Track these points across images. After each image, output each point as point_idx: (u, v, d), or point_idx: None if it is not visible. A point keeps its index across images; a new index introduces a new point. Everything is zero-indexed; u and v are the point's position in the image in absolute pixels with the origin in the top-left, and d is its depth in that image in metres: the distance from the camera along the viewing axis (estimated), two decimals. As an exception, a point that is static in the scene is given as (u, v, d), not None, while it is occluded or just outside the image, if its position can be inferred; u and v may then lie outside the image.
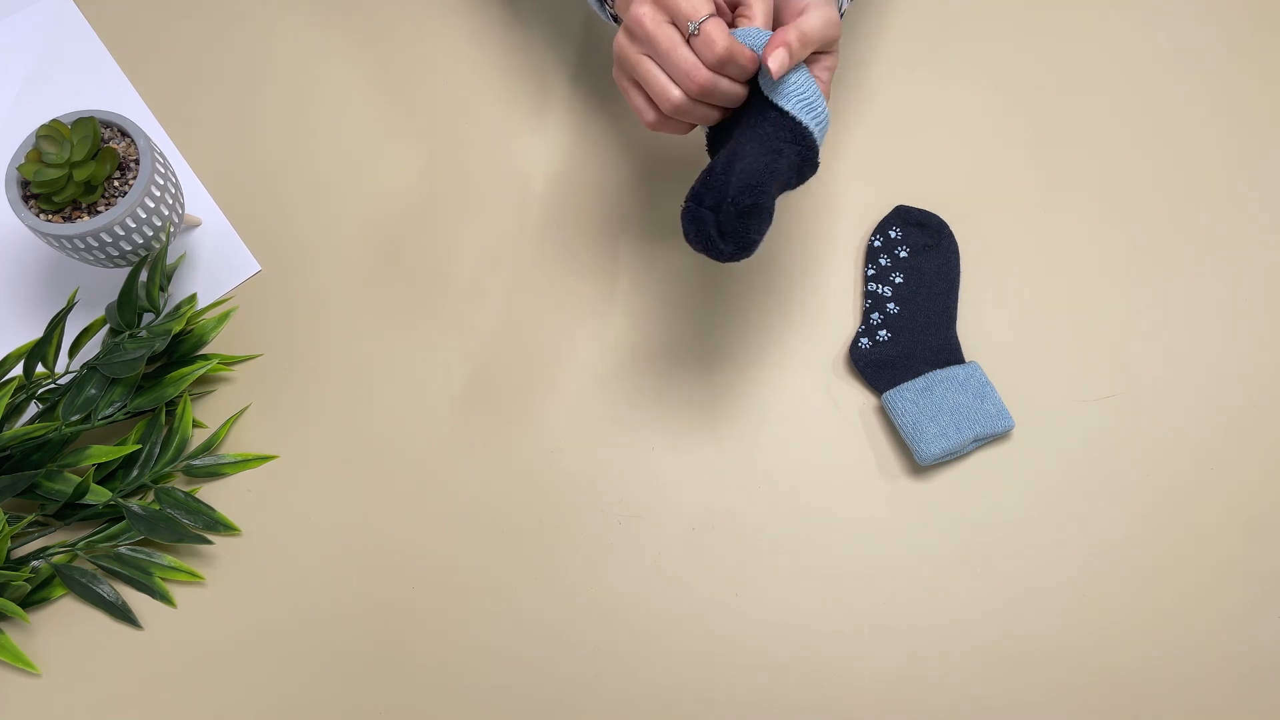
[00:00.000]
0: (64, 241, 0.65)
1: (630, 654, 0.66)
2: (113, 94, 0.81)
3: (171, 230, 0.70)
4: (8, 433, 0.65)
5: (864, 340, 0.73)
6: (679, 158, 0.79)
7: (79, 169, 0.64)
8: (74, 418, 0.67)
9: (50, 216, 0.66)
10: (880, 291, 0.74)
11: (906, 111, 0.80)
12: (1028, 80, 0.82)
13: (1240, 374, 0.73)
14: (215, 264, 0.76)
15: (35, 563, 0.68)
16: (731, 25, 0.58)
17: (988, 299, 0.75)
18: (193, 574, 0.68)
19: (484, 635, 0.67)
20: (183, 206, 0.72)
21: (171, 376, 0.69)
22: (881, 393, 0.71)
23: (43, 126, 0.64)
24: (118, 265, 0.69)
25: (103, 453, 0.68)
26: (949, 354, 0.72)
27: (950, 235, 0.75)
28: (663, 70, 0.56)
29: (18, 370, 0.69)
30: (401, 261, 0.76)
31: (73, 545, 0.68)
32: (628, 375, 0.73)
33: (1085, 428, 0.71)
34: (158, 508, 0.68)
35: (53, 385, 0.69)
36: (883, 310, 0.73)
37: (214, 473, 0.70)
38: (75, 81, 0.82)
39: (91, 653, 0.67)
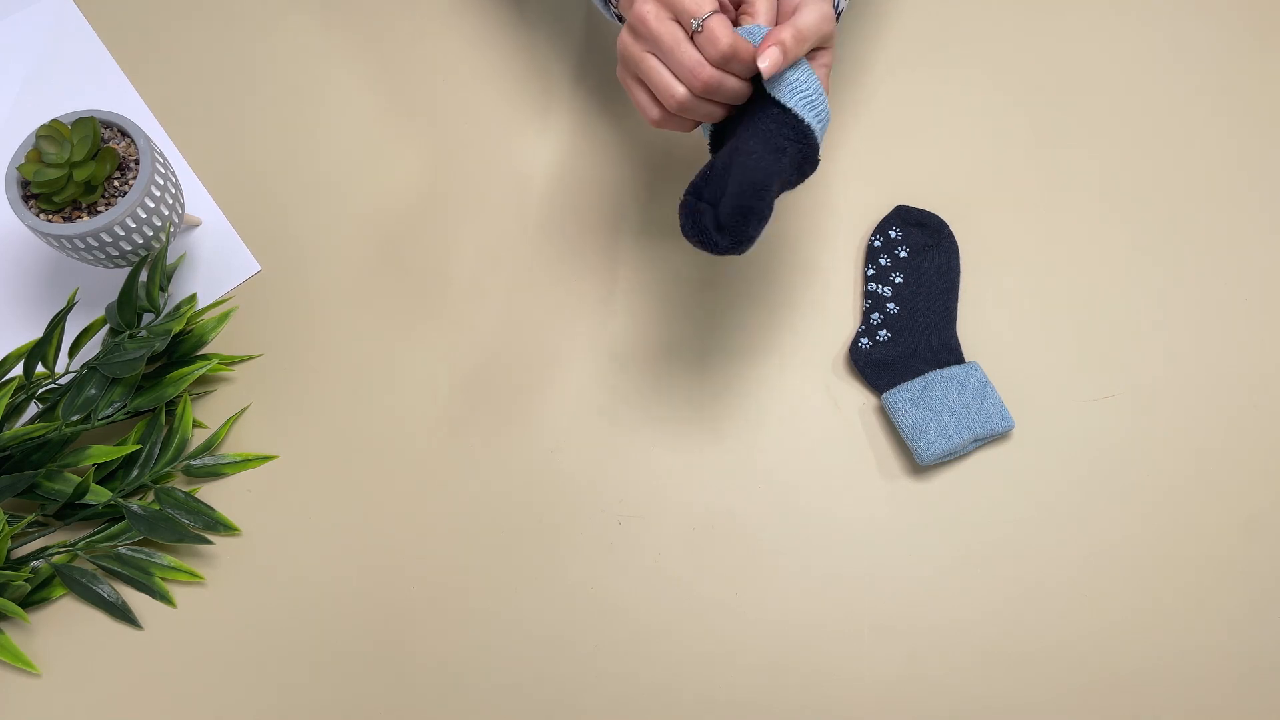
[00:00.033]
0: (64, 241, 0.65)
1: (630, 654, 0.66)
2: (113, 94, 0.81)
3: (171, 230, 0.70)
4: (8, 433, 0.65)
5: (864, 340, 0.73)
6: (680, 157, 0.79)
7: (79, 169, 0.64)
8: (74, 418, 0.67)
9: (50, 216, 0.66)
10: (880, 291, 0.74)
11: (906, 111, 0.80)
12: (1028, 80, 0.82)
13: (1240, 374, 0.73)
14: (215, 264, 0.76)
15: (35, 563, 0.68)
16: (736, 23, 0.58)
17: (988, 299, 0.75)
18: (193, 574, 0.68)
19: (484, 635, 0.67)
20: (183, 206, 0.72)
21: (171, 376, 0.69)
22: (881, 393, 0.71)
23: (43, 126, 0.64)
24: (118, 265, 0.69)
25: (103, 453, 0.68)
26: (949, 354, 0.72)
27: (950, 235, 0.75)
28: (667, 67, 0.56)
29: (18, 370, 0.69)
30: (401, 261, 0.76)
31: (73, 545, 0.68)
32: (628, 375, 0.73)
33: (1085, 428, 0.71)
34: (158, 508, 0.68)
35: (53, 385, 0.69)
36: (883, 310, 0.73)
37: (214, 473, 0.70)
38: (75, 81, 0.82)
39: (91, 653, 0.67)
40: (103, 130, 0.68)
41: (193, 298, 0.73)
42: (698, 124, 0.60)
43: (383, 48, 0.83)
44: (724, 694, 0.66)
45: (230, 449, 0.71)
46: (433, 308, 0.75)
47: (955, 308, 0.74)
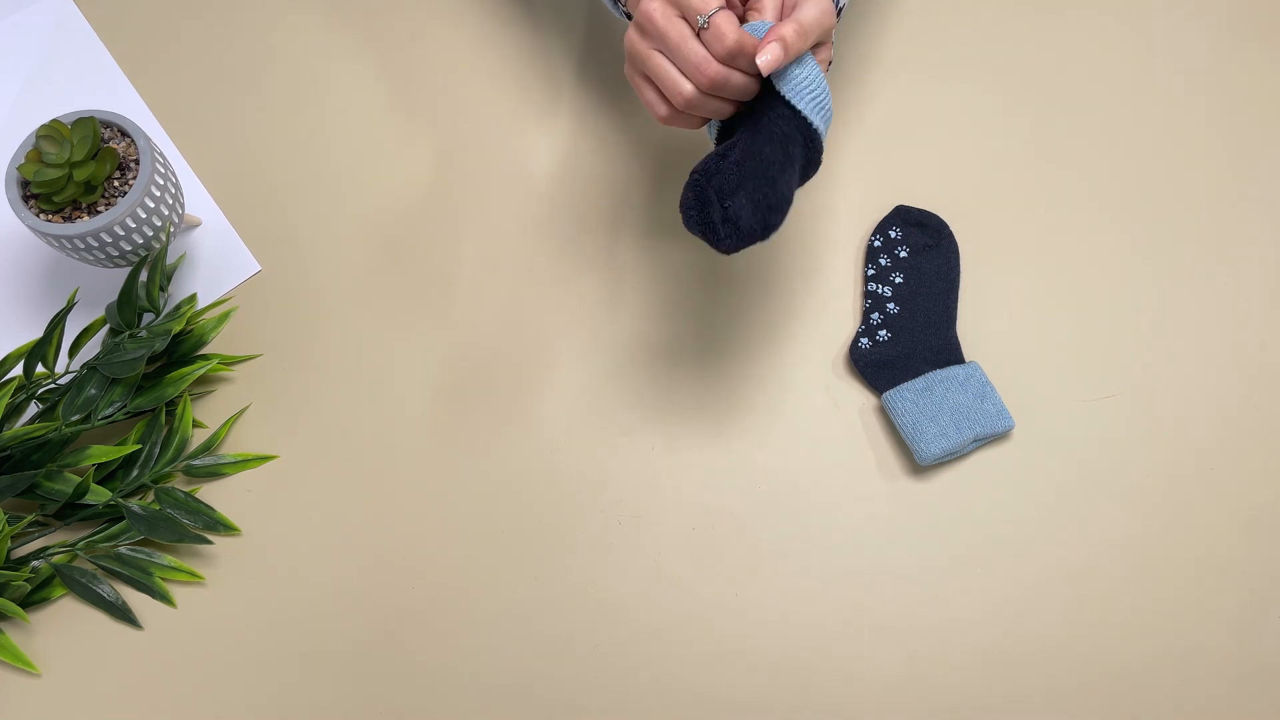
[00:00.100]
0: (64, 241, 0.65)
1: (630, 654, 0.66)
2: (113, 94, 0.81)
3: (171, 230, 0.70)
4: (8, 433, 0.65)
5: (864, 340, 0.73)
6: (683, 156, 0.79)
7: (79, 169, 0.64)
8: (74, 418, 0.67)
9: (50, 216, 0.66)
10: (880, 291, 0.74)
11: (907, 112, 0.80)
12: (1028, 81, 0.82)
13: (1240, 374, 0.73)
14: (215, 264, 0.76)
15: (35, 563, 0.68)
16: (743, 19, 0.58)
17: (988, 299, 0.75)
18: (193, 574, 0.68)
19: (484, 635, 0.67)
20: (183, 206, 0.72)
21: (171, 376, 0.69)
22: (881, 393, 0.71)
23: (43, 126, 0.64)
24: (118, 265, 0.69)
25: (103, 453, 0.68)
26: (949, 354, 0.72)
27: (950, 235, 0.75)
28: (674, 64, 0.56)
29: (18, 370, 0.69)
30: (402, 261, 0.76)
31: (73, 545, 0.68)
32: (628, 375, 0.73)
33: (1085, 428, 0.71)
34: (158, 508, 0.68)
35: (53, 385, 0.69)
36: (883, 310, 0.73)
37: (214, 473, 0.70)
38: (75, 81, 0.82)
39: (91, 653, 0.67)
40: (103, 130, 0.68)
41: (193, 298, 0.73)
42: (706, 121, 0.60)
43: (383, 47, 0.83)
44: (724, 694, 0.66)
45: (230, 449, 0.71)
46: (433, 307, 0.75)
47: (955, 308, 0.74)
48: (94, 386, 0.67)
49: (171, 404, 0.71)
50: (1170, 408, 0.72)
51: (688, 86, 0.56)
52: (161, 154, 0.69)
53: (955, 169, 0.78)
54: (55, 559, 0.68)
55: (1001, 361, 0.73)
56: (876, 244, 0.75)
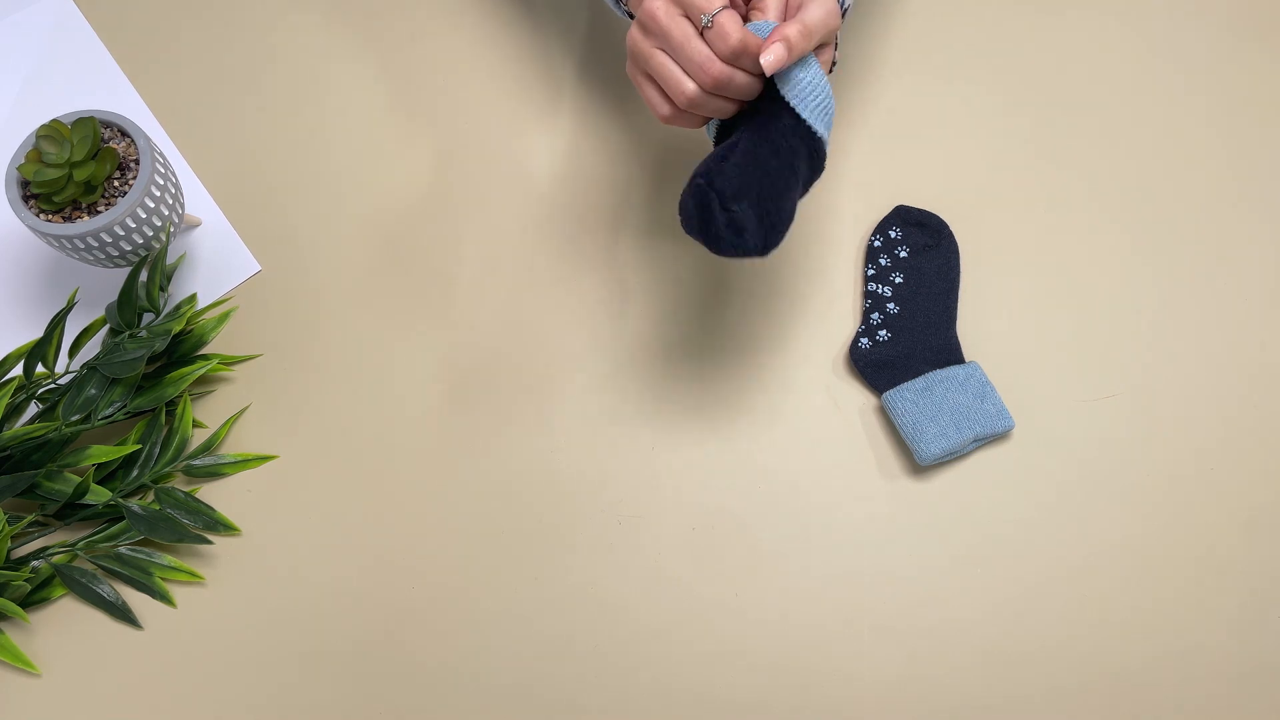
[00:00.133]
0: (64, 241, 0.65)
1: (630, 654, 0.66)
2: (113, 94, 0.81)
3: (171, 230, 0.70)
4: (8, 433, 0.65)
5: (864, 340, 0.73)
6: (684, 156, 0.79)
7: (79, 169, 0.64)
8: (74, 418, 0.67)
9: (50, 216, 0.66)
10: (880, 291, 0.74)
11: (907, 112, 0.80)
12: (1028, 81, 0.82)
13: (1240, 374, 0.73)
14: (215, 264, 0.76)
15: (35, 563, 0.68)
16: (746, 18, 0.58)
17: (988, 299, 0.75)
18: (193, 574, 0.68)
19: (484, 635, 0.67)
20: (183, 206, 0.72)
21: (171, 376, 0.69)
22: (881, 393, 0.71)
23: (43, 126, 0.64)
24: (118, 265, 0.69)
25: (103, 453, 0.68)
26: (949, 354, 0.72)
27: (950, 235, 0.75)
28: (677, 63, 0.56)
29: (18, 370, 0.69)
30: (402, 261, 0.76)
31: (73, 545, 0.68)
32: (628, 375, 0.73)
33: (1085, 428, 0.71)
34: (158, 508, 0.68)
35: (53, 385, 0.69)
36: (883, 310, 0.73)
37: (214, 473, 0.70)
38: (75, 81, 0.82)
39: (91, 653, 0.67)
40: (103, 130, 0.68)
41: (193, 298, 0.73)
42: (707, 120, 0.60)
43: (383, 47, 0.83)
44: (724, 694, 0.66)
45: (230, 449, 0.71)
46: (433, 307, 0.75)
47: (955, 308, 0.74)
48: (94, 386, 0.67)
49: (171, 404, 0.71)
50: (1170, 408, 0.72)
51: (690, 85, 0.56)
52: (161, 154, 0.69)
53: (955, 169, 0.78)
54: (55, 559, 0.68)
55: (1001, 361, 0.73)
56: (876, 244, 0.75)
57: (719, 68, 0.54)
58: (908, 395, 0.69)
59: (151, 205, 0.67)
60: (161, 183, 0.68)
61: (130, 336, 0.68)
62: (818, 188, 0.78)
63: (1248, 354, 0.73)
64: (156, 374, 0.70)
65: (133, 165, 0.67)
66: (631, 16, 0.65)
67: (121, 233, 0.66)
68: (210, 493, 0.70)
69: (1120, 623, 0.67)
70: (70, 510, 0.68)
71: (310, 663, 0.66)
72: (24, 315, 0.74)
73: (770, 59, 0.53)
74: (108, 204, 0.66)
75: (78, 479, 0.67)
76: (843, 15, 0.59)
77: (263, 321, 0.75)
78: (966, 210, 0.77)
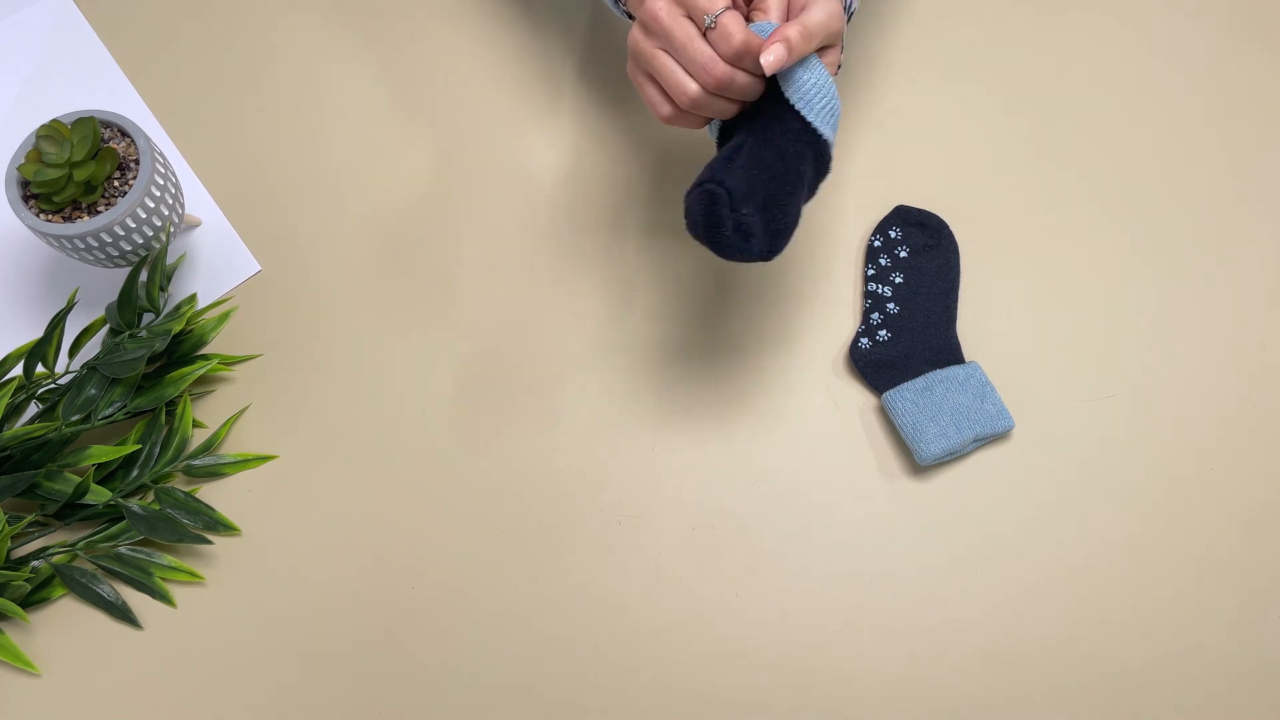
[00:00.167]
0: (64, 241, 0.65)
1: (630, 654, 0.66)
2: (113, 94, 0.81)
3: (171, 230, 0.70)
4: (8, 433, 0.65)
5: (864, 340, 0.73)
6: (685, 157, 0.79)
7: (79, 169, 0.64)
8: (74, 418, 0.67)
9: (50, 216, 0.66)
10: (880, 291, 0.74)
11: (907, 112, 0.80)
12: (1028, 81, 0.82)
13: (1240, 374, 0.73)
14: (215, 264, 0.76)
15: (35, 563, 0.68)
16: (748, 19, 0.58)
17: (988, 299, 0.75)
18: (193, 574, 0.68)
19: (484, 635, 0.67)
20: (183, 206, 0.72)
21: (171, 376, 0.69)
22: (881, 393, 0.71)
23: (43, 126, 0.64)
24: (118, 265, 0.69)
25: (103, 453, 0.68)
26: (949, 354, 0.72)
27: (950, 235, 0.75)
28: (679, 64, 0.56)
29: (18, 370, 0.69)
30: (402, 261, 0.76)
31: (73, 545, 0.68)
32: (628, 375, 0.73)
33: (1085, 428, 0.71)
34: (158, 508, 0.68)
35: (53, 385, 0.69)
36: (883, 310, 0.73)
37: (214, 473, 0.70)
38: (75, 81, 0.82)
39: (91, 653, 0.67)
40: (103, 130, 0.68)
41: (193, 298, 0.73)
42: (708, 120, 0.60)
43: (383, 47, 0.83)
44: (724, 694, 0.66)
45: (230, 449, 0.71)
46: (433, 308, 0.75)
47: (955, 308, 0.74)
48: (94, 386, 0.67)
49: (171, 404, 0.71)
50: (1170, 408, 0.72)
51: (693, 86, 0.56)
52: (161, 154, 0.69)
53: (956, 169, 0.78)
54: (55, 559, 0.68)
55: (1001, 361, 0.73)
56: (876, 244, 0.75)
57: (722, 68, 0.54)
58: (908, 395, 0.69)
59: (151, 205, 0.67)
60: (161, 183, 0.68)
61: (130, 336, 0.68)
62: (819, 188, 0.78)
63: (1248, 354, 0.73)
64: (156, 374, 0.70)
65: (133, 165, 0.67)
66: (630, 16, 0.65)
67: (121, 233, 0.66)
68: (210, 493, 0.70)
69: (1120, 623, 0.67)
70: (70, 510, 0.68)
71: (310, 663, 0.66)
72: (24, 315, 0.74)
73: (770, 59, 0.53)
74: (108, 204, 0.66)
75: (78, 479, 0.67)
76: (848, 18, 0.59)
77: (263, 321, 0.75)
78: (966, 210, 0.77)
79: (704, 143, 0.79)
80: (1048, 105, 0.81)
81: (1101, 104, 0.81)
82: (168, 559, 0.68)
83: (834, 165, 0.78)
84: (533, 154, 0.79)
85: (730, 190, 0.54)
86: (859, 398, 0.72)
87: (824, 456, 0.71)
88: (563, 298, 0.75)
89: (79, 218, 0.66)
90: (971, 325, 0.74)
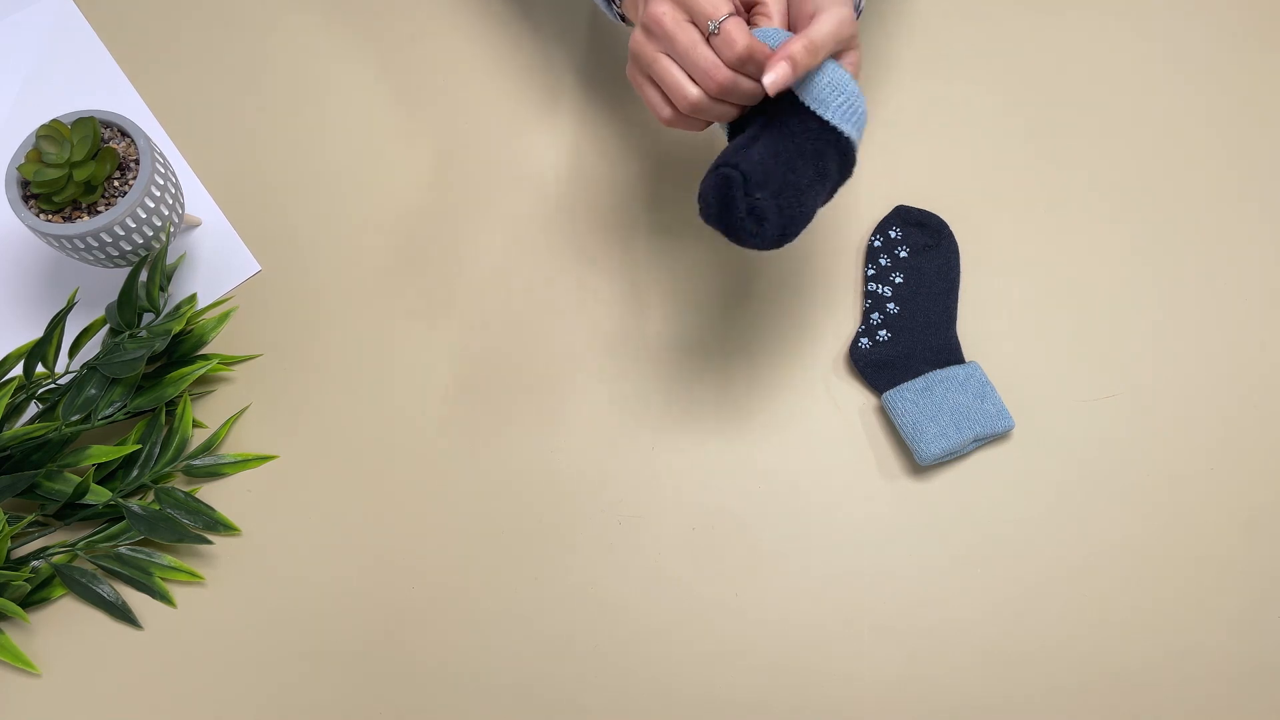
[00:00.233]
0: (64, 241, 0.65)
1: (630, 654, 0.66)
2: (113, 94, 0.81)
3: (171, 230, 0.70)
4: (8, 433, 0.65)
5: (864, 340, 0.73)
6: (685, 158, 0.79)
7: (79, 169, 0.64)
8: (74, 418, 0.67)
9: (50, 216, 0.66)
10: (880, 291, 0.74)
11: (907, 112, 0.80)
12: (1028, 81, 0.82)
13: (1240, 374, 0.73)
14: (215, 264, 0.76)
15: (35, 563, 0.68)
16: (750, 24, 0.58)
17: (988, 299, 0.75)
18: (193, 574, 0.68)
19: (484, 635, 0.67)
20: (183, 206, 0.72)
21: (171, 376, 0.69)
22: (881, 393, 0.71)
23: (43, 126, 0.64)
24: (118, 265, 0.69)
25: (103, 453, 0.68)
26: (949, 354, 0.72)
27: (950, 235, 0.75)
28: (681, 69, 0.56)
29: (18, 370, 0.69)
30: (401, 261, 0.76)
31: (73, 545, 0.68)
32: (628, 375, 0.73)
33: (1085, 428, 0.71)
34: (158, 508, 0.68)
35: (53, 385, 0.69)
36: (883, 310, 0.73)
37: (214, 473, 0.70)
38: (75, 81, 0.82)
39: (91, 653, 0.67)
40: (103, 130, 0.68)
41: (193, 298, 0.73)
42: (709, 124, 0.60)
43: (383, 47, 0.83)
44: (724, 694, 0.66)
45: (230, 449, 0.71)
46: (432, 308, 0.75)
47: (955, 308, 0.74)
48: (94, 386, 0.67)
49: (171, 404, 0.71)
50: (1170, 408, 0.72)
51: (694, 90, 0.56)
52: (161, 154, 0.69)
53: (956, 169, 0.78)
54: (55, 559, 0.68)
55: (1001, 361, 0.73)
56: (876, 244, 0.75)
57: (724, 74, 0.54)
58: (908, 395, 0.69)
59: (151, 205, 0.67)
60: (161, 183, 0.68)
61: (130, 336, 0.68)
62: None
63: (1248, 354, 0.73)
64: (156, 374, 0.70)
65: (133, 165, 0.67)
66: (623, 19, 0.65)
67: (121, 233, 0.66)
68: (210, 493, 0.70)
69: (1120, 623, 0.67)
70: (70, 510, 0.68)
71: (310, 663, 0.66)
72: (24, 315, 0.74)
73: (772, 78, 0.53)
74: (108, 204, 0.66)
75: (78, 479, 0.67)
76: (856, 16, 0.59)
77: (263, 321, 0.75)
78: (966, 210, 0.77)
79: (705, 143, 0.79)
80: (1048, 105, 0.81)
81: (1101, 104, 0.81)
82: (168, 559, 0.68)
83: (834, 165, 0.78)
84: (533, 154, 0.79)
85: (745, 174, 0.54)
86: (859, 398, 0.72)
87: (824, 456, 0.71)
88: (563, 298, 0.75)
89: (79, 218, 0.66)
90: (971, 325, 0.74)
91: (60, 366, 0.71)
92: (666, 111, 0.58)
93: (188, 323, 0.72)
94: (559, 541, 0.69)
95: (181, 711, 0.65)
